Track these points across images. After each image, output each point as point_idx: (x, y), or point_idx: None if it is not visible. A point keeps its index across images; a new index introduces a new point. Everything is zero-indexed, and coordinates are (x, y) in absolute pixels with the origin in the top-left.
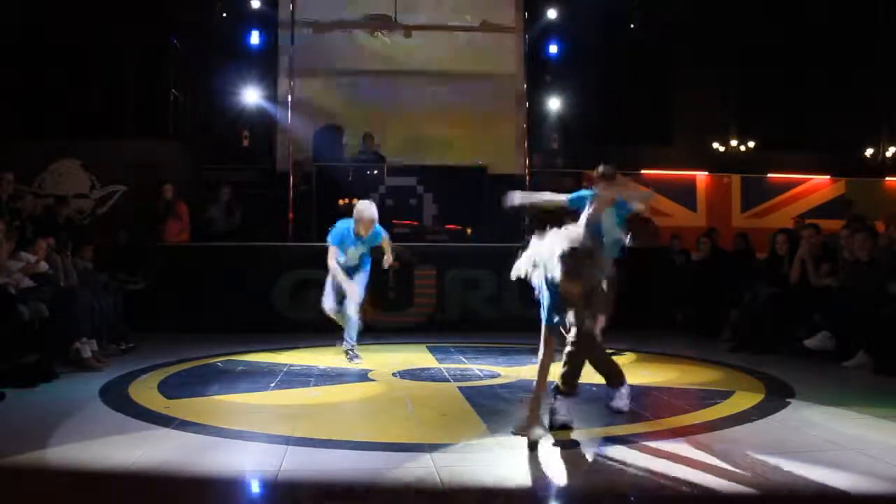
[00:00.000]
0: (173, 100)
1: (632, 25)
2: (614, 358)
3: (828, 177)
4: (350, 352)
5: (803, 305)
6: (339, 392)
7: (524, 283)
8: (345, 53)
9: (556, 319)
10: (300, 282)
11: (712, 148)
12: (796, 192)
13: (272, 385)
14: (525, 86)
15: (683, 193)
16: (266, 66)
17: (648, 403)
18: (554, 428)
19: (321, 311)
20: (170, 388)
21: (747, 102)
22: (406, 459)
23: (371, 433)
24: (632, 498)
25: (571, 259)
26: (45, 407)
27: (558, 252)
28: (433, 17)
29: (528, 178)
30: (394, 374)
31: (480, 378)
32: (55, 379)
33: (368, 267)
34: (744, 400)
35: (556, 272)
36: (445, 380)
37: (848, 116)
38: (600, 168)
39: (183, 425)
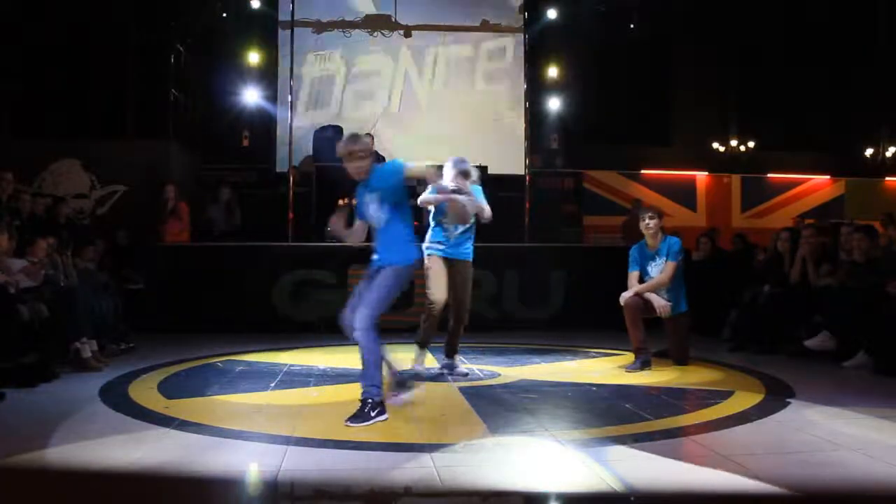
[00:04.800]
0: (173, 100)
1: (632, 25)
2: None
3: (828, 177)
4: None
5: (803, 305)
6: (339, 392)
7: (524, 284)
8: (345, 52)
9: None
10: (300, 282)
11: (712, 148)
12: (796, 192)
13: (272, 385)
14: (525, 86)
15: (683, 193)
16: (266, 67)
17: (648, 403)
18: None
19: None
20: (170, 388)
21: (747, 102)
22: (406, 459)
23: (371, 433)
24: (632, 498)
25: None
26: (45, 407)
27: None
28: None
29: (527, 178)
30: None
31: (480, 378)
32: (55, 379)
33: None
34: (744, 400)
35: None
36: (445, 380)
37: (848, 116)
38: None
39: (183, 425)
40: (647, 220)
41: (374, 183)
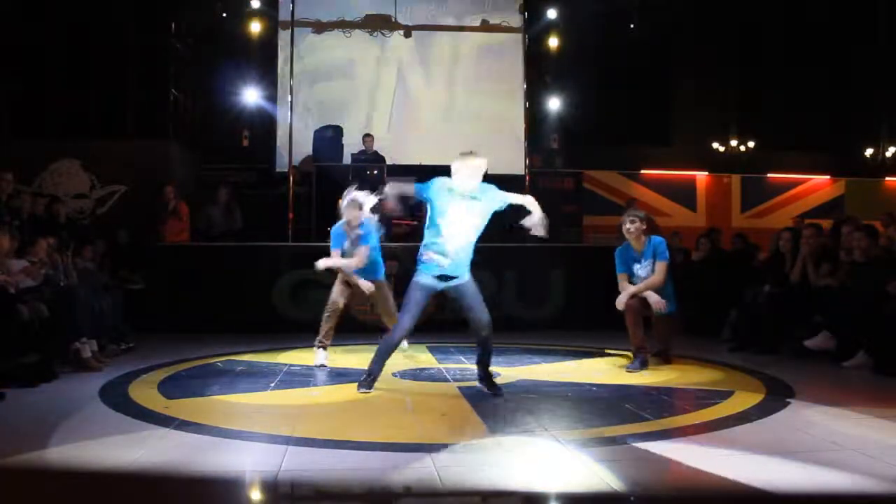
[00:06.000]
0: (173, 100)
1: (632, 25)
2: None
3: (828, 177)
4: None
5: (803, 305)
6: (339, 392)
7: (524, 284)
8: (345, 52)
9: None
10: (300, 282)
11: (712, 148)
12: (796, 192)
13: (272, 385)
14: (525, 86)
15: (683, 193)
16: (266, 67)
17: (648, 403)
18: None
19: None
20: (170, 388)
21: (747, 102)
22: (406, 459)
23: (371, 433)
24: (632, 498)
25: None
26: (45, 407)
27: None
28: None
29: (527, 178)
30: (394, 374)
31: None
32: (55, 379)
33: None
34: (744, 400)
35: None
36: (445, 380)
37: (848, 116)
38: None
39: (183, 425)
40: (627, 225)
41: (480, 196)
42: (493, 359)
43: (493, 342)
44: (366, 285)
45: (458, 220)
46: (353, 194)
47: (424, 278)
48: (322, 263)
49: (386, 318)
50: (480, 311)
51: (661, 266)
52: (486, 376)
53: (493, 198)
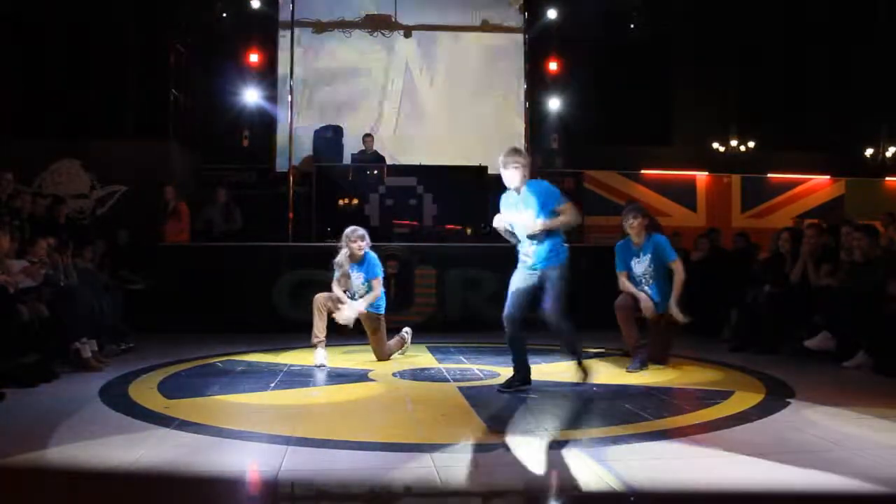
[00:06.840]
0: (173, 100)
1: (632, 25)
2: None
3: (828, 177)
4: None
5: (803, 305)
6: (339, 392)
7: None
8: (345, 52)
9: None
10: (300, 282)
11: (712, 148)
12: (796, 192)
13: (272, 385)
14: (525, 86)
15: (683, 193)
16: (266, 67)
17: (648, 403)
18: None
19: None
20: (170, 388)
21: (747, 102)
22: (406, 459)
23: (371, 433)
24: (632, 498)
25: None
26: (45, 407)
27: None
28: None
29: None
30: (394, 374)
31: (480, 378)
32: (55, 379)
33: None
34: (744, 400)
35: None
36: (445, 380)
37: (848, 116)
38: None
39: (183, 425)
40: (630, 220)
41: (531, 193)
42: (494, 358)
43: (566, 332)
44: (343, 315)
45: (518, 222)
46: (353, 227)
47: (518, 270)
48: (338, 291)
49: (377, 352)
50: (548, 304)
51: (676, 265)
52: (575, 360)
53: (536, 192)
